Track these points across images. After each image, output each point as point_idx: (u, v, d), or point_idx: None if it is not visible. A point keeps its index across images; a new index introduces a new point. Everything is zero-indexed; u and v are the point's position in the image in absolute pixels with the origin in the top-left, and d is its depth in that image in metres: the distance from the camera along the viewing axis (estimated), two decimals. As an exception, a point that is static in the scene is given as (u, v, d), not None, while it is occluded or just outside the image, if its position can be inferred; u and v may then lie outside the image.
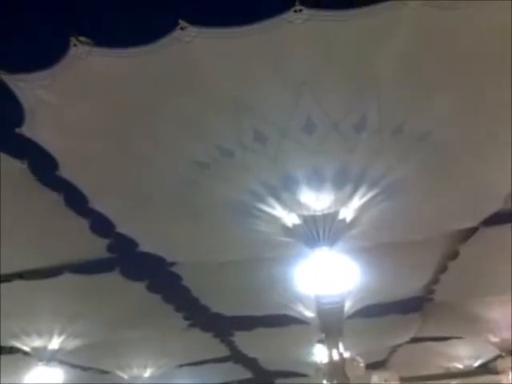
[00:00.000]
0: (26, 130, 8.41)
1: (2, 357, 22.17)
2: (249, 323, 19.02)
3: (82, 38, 7.17)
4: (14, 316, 15.78)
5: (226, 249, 12.43)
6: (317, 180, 9.49)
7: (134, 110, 8.17)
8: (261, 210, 10.19)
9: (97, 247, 12.34)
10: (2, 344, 20.88)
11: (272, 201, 9.95)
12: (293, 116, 8.24)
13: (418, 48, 7.41)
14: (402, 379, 19.44)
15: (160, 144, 8.82)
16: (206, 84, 7.72)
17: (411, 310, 18.73)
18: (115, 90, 7.89)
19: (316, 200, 9.90)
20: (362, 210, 10.23)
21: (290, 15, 6.95)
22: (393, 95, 8.03)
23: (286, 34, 7.08)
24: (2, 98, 7.80)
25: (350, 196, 9.89)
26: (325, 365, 10.80)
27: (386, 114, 8.32)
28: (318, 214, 10.16)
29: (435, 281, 16.03)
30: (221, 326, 19.66)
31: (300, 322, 16.67)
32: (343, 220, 10.28)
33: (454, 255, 14.38)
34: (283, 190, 9.72)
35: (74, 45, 7.19)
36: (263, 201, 9.99)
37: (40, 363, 18.40)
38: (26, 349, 18.73)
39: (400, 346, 23.11)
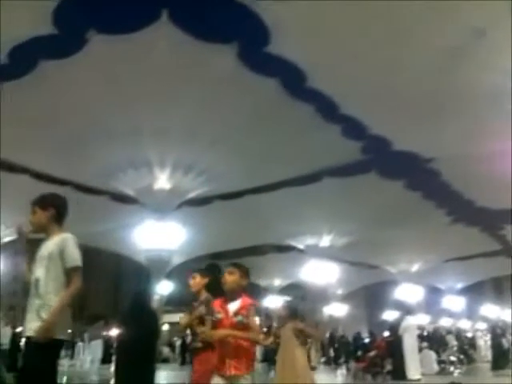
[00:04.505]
0: (272, 48, 8.81)
1: (281, 255, 25.19)
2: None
3: None
4: (287, 219, 17.58)
5: (487, 137, 11.44)
6: None
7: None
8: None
9: (351, 150, 12.57)
10: (279, 243, 23.63)
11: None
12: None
13: None
14: None
15: (405, 35, 8.34)
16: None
17: None
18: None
19: None
20: None
21: None
22: None
23: None
24: (247, 22, 8.23)
25: None
26: None
27: None
28: None
29: None
30: (488, 220, 18.68)
31: None
32: None
33: None
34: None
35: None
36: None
37: (313, 259, 20.38)
38: (301, 247, 20.85)
39: None
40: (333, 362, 25.47)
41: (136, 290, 6.58)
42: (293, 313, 7.21)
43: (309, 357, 10.05)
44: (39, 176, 13.97)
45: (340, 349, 26.53)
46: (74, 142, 11.77)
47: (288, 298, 8.48)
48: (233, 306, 4.11)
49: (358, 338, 26.75)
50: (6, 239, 18.62)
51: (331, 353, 26.12)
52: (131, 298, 6.84)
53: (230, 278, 4.16)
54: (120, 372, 6.15)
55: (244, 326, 4.02)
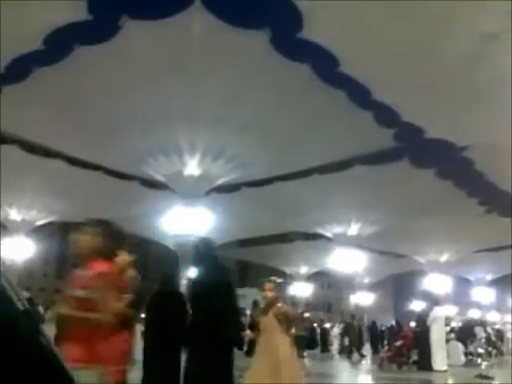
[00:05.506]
0: (305, 34, 8.73)
1: (308, 242, 25.20)
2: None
3: None
4: (315, 206, 17.52)
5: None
6: None
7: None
8: None
9: (383, 138, 12.35)
10: (307, 231, 23.63)
11: None
12: None
13: None
14: None
15: (439, 21, 8.17)
16: None
17: None
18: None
19: None
20: None
21: None
22: None
23: None
24: (280, 7, 8.17)
25: None
26: None
27: None
28: None
29: None
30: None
31: None
32: None
33: None
34: None
35: None
36: None
37: (340, 247, 20.32)
38: (329, 235, 20.80)
39: None
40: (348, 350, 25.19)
41: (164, 275, 6.54)
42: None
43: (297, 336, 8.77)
44: (72, 161, 14.23)
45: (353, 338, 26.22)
46: (106, 128, 11.92)
47: (276, 279, 7.36)
48: (80, 277, 3.13)
49: (373, 327, 26.28)
50: (39, 223, 19.04)
51: (346, 342, 25.82)
52: (159, 284, 6.82)
53: (81, 238, 3.26)
54: (147, 359, 6.07)
55: (91, 304, 3.00)
